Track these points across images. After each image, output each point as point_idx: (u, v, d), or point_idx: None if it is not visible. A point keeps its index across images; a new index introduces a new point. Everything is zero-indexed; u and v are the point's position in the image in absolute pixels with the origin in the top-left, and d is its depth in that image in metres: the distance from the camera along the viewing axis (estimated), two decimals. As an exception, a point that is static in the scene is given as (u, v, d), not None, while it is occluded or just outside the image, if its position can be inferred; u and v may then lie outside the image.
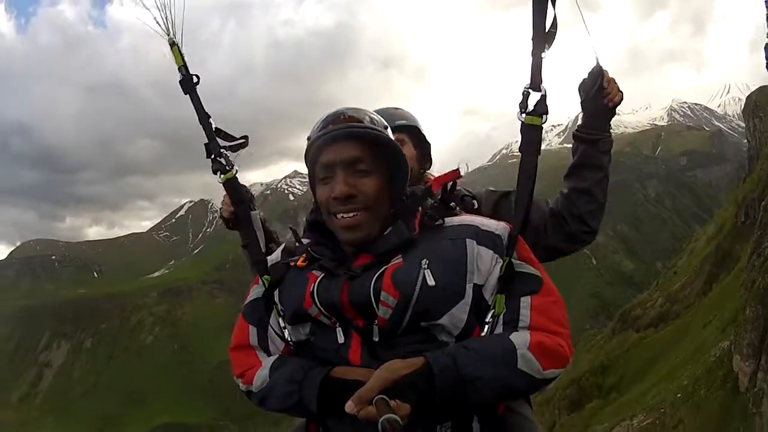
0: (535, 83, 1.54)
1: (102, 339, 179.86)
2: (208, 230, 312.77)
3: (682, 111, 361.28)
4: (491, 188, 2.19)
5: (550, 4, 1.51)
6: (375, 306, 1.43)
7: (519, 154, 1.59)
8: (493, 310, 1.47)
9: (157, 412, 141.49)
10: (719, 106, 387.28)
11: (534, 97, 1.54)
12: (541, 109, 1.55)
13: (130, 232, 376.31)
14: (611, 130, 2.11)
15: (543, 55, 1.53)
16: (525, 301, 1.46)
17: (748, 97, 51.58)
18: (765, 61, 19.68)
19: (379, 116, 1.61)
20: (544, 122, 1.55)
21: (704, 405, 16.98)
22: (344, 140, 1.51)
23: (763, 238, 16.95)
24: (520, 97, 1.56)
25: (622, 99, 2.06)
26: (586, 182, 2.06)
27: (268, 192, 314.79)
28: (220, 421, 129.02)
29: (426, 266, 1.44)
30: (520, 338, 1.40)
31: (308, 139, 1.60)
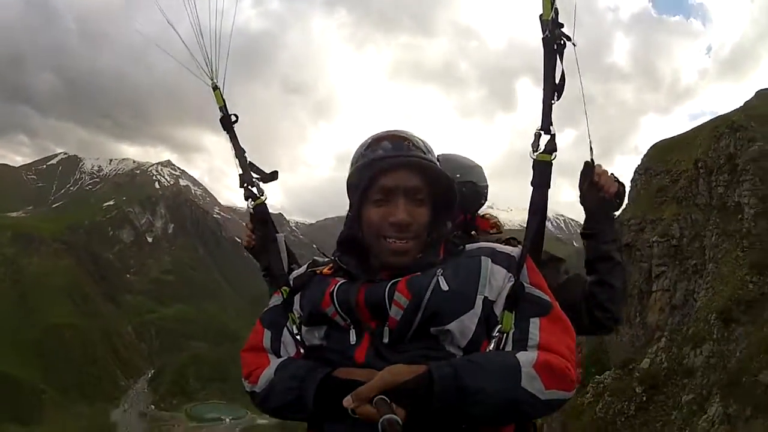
0: (545, 126, 1.66)
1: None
2: (71, 188, 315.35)
3: (556, 222, 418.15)
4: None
5: (558, 60, 1.67)
6: (387, 305, 1.47)
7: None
8: (500, 325, 1.50)
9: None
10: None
11: (544, 139, 1.67)
12: (551, 147, 1.66)
13: (3, 162, 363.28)
14: (614, 221, 2.19)
15: (552, 102, 1.67)
16: (534, 322, 1.49)
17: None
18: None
19: (429, 144, 1.68)
20: (554, 158, 1.66)
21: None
22: (408, 168, 1.56)
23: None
24: (533, 138, 1.69)
25: (618, 189, 2.13)
26: (599, 274, 2.15)
27: (138, 172, 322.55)
28: (40, 384, 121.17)
29: (440, 274, 1.51)
30: (527, 357, 1.41)
31: (360, 155, 1.65)
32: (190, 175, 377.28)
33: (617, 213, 2.23)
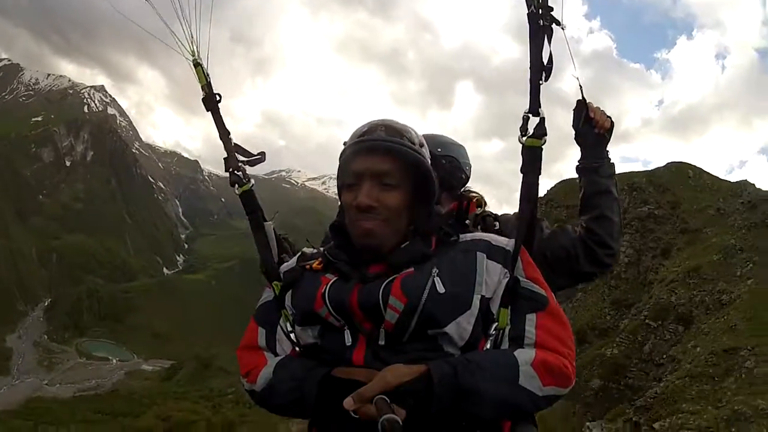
0: (534, 109, 1.62)
1: None
2: (6, 97, 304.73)
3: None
4: None
5: (546, 41, 1.64)
6: (383, 309, 1.45)
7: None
8: (496, 323, 1.50)
9: None
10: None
11: (533, 122, 1.63)
12: (540, 131, 1.62)
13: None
14: (609, 156, 2.19)
15: (540, 83, 1.63)
16: (530, 319, 1.49)
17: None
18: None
19: (418, 134, 1.66)
20: (543, 143, 1.62)
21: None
22: (376, 152, 1.55)
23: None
24: (521, 122, 1.64)
25: (612, 124, 2.14)
26: (599, 209, 2.14)
27: (71, 92, 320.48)
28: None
29: (436, 274, 1.48)
30: (524, 355, 1.42)
31: (344, 144, 1.67)
32: (119, 105, 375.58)
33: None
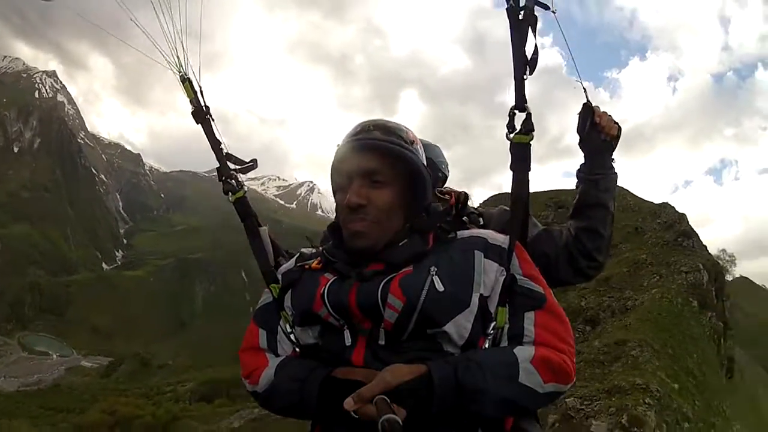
0: (519, 104, 1.61)
1: None
2: None
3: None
4: (505, 207, 2.06)
5: (530, 32, 1.60)
6: (381, 309, 1.44)
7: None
8: (494, 322, 1.49)
9: None
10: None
11: (519, 117, 1.61)
12: (528, 126, 1.61)
13: None
14: (614, 165, 2.07)
15: (525, 77, 1.61)
16: (529, 317, 1.48)
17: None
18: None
19: (409, 131, 1.65)
20: (531, 139, 1.60)
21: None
22: (364, 151, 1.55)
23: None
24: (507, 119, 1.62)
25: (619, 130, 2.04)
26: (590, 221, 2.06)
27: (24, 75, 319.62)
28: None
29: (434, 272, 1.47)
30: (524, 352, 1.42)
31: (337, 146, 1.66)
32: (68, 92, 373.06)
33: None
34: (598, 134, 2.01)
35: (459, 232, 1.63)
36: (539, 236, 2.07)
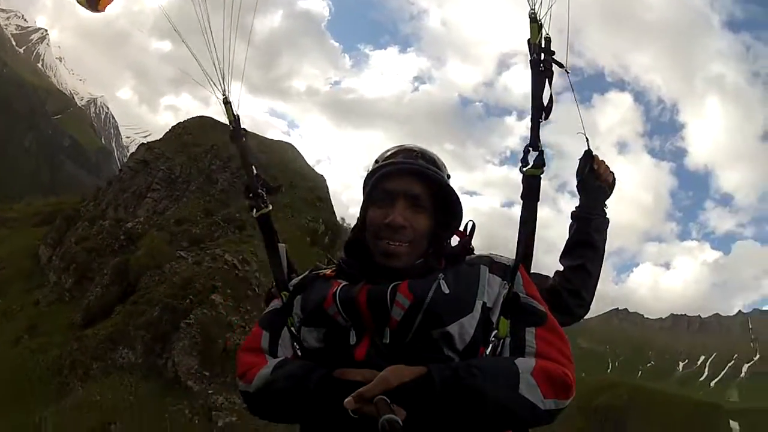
0: (534, 143, 1.78)
1: None
2: None
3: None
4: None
5: (547, 84, 1.80)
6: (389, 305, 1.50)
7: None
8: (496, 331, 1.54)
9: None
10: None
11: (533, 155, 1.78)
12: (540, 162, 1.77)
13: None
14: (606, 210, 2.26)
15: (540, 121, 1.78)
16: (530, 331, 1.53)
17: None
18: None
19: (442, 161, 1.76)
20: (542, 173, 1.77)
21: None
22: (411, 176, 1.64)
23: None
24: (521, 155, 1.80)
25: (614, 179, 2.27)
26: (581, 259, 2.19)
27: None
28: None
29: (441, 278, 1.56)
30: (525, 364, 1.45)
31: (376, 162, 1.75)
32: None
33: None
34: (595, 179, 2.25)
35: (468, 258, 1.73)
36: (532, 274, 2.15)
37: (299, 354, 1.65)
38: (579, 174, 2.27)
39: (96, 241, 34.36)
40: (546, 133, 1.82)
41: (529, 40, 1.84)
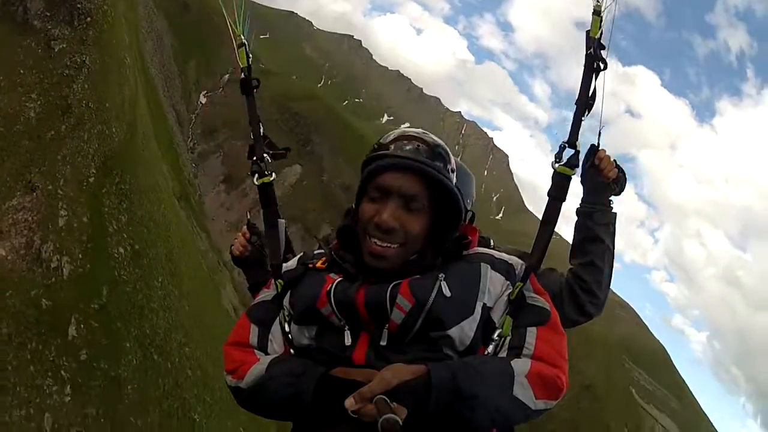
0: (572, 141, 1.71)
1: None
2: None
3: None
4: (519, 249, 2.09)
5: (593, 78, 1.78)
6: (389, 309, 1.46)
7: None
8: (500, 330, 1.52)
9: None
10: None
11: (568, 152, 1.70)
12: (574, 162, 1.71)
13: None
14: (611, 205, 2.19)
15: (582, 118, 1.72)
16: (532, 331, 1.51)
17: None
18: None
19: (451, 156, 1.64)
20: (574, 174, 1.70)
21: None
22: (409, 174, 1.53)
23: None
24: (557, 149, 1.73)
25: (617, 175, 2.17)
26: (589, 256, 2.15)
27: None
28: None
29: (442, 279, 1.50)
30: (521, 365, 1.43)
31: (377, 144, 1.61)
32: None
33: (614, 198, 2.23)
34: (597, 174, 2.18)
35: (465, 252, 1.67)
36: (544, 272, 2.20)
37: (291, 351, 1.63)
38: (581, 168, 2.17)
39: None
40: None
41: (588, 33, 1.81)
